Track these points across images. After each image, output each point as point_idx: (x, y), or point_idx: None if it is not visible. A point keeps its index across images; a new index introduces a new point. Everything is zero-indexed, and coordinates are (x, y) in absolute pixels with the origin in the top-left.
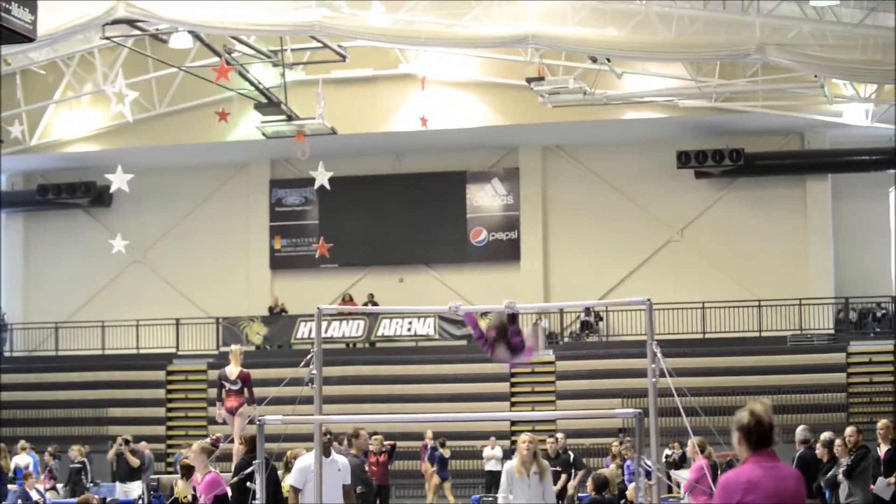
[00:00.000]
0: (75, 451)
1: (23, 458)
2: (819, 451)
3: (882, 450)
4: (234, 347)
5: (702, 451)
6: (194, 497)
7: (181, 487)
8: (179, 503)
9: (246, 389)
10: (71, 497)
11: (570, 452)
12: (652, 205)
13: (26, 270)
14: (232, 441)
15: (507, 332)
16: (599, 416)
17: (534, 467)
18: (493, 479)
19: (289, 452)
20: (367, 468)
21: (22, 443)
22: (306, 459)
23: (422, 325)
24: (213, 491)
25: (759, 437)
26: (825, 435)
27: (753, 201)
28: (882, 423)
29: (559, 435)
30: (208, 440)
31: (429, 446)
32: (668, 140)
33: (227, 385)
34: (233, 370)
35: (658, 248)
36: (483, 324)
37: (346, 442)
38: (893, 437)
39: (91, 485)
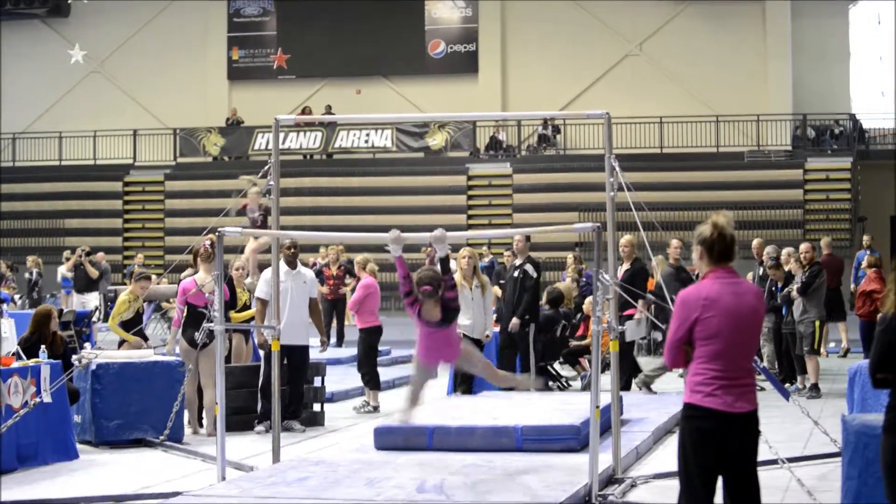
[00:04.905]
0: (31, 262)
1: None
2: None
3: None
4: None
5: (364, 268)
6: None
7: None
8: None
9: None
10: (30, 308)
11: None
12: (611, 18)
13: None
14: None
15: (440, 286)
16: (557, 231)
17: (475, 281)
18: None
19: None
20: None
21: None
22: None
23: (379, 136)
24: (183, 296)
25: (721, 251)
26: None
27: (713, 17)
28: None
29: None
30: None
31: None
32: None
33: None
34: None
35: (617, 62)
36: (415, 277)
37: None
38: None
39: (49, 297)
